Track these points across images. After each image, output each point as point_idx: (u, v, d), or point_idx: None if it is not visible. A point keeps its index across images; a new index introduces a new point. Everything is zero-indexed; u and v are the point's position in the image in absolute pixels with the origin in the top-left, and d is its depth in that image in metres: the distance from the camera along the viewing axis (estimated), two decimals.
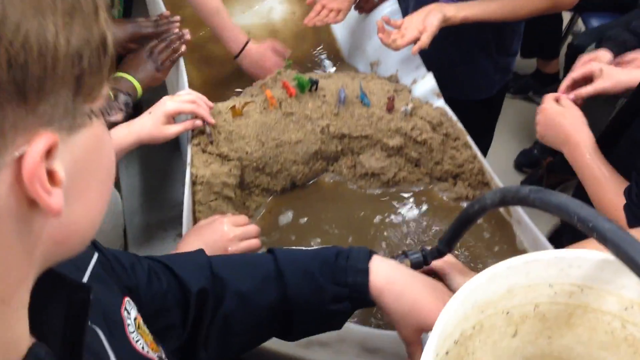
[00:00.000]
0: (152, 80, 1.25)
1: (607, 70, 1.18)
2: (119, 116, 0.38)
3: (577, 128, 1.11)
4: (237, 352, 0.80)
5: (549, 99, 1.19)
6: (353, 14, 1.59)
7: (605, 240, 0.59)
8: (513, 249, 1.14)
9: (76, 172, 0.38)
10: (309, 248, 0.86)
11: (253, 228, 1.02)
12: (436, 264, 0.93)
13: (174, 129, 1.11)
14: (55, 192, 0.35)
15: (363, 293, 0.76)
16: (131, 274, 0.69)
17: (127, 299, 0.60)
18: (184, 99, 1.13)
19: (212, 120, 1.16)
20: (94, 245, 0.62)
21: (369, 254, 0.79)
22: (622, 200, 1.00)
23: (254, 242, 1.00)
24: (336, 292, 0.76)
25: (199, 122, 1.16)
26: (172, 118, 1.12)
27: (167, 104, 1.10)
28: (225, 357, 0.78)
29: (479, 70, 1.53)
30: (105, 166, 0.42)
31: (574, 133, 1.11)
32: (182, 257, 0.80)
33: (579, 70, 1.21)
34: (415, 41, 1.29)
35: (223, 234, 0.97)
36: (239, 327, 0.75)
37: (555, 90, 1.22)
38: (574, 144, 1.10)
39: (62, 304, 0.44)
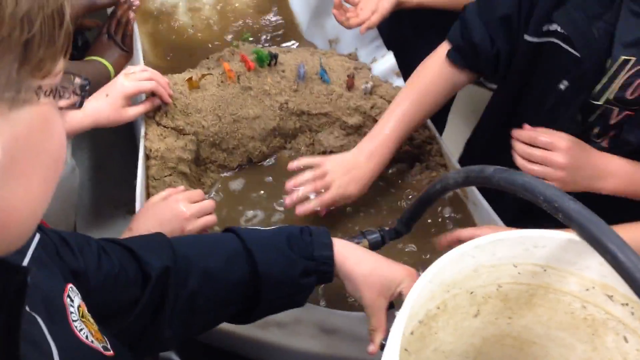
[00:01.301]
0: (122, 60, 1.20)
1: None
2: (73, 99, 0.35)
3: (604, 156, 0.98)
4: (201, 330, 0.79)
5: (555, 135, 0.96)
6: None
7: (571, 220, 0.59)
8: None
9: (16, 152, 0.35)
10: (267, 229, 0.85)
11: (209, 204, 0.99)
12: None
13: (133, 111, 1.06)
14: None
15: (330, 266, 0.78)
16: (79, 256, 0.65)
17: (70, 285, 0.57)
18: (141, 76, 1.06)
19: (169, 100, 1.11)
20: (37, 227, 0.59)
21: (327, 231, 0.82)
22: None
23: (211, 219, 0.97)
24: (305, 265, 0.77)
25: (158, 101, 1.10)
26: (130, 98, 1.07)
27: (124, 85, 1.03)
28: (189, 335, 0.77)
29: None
30: (52, 151, 0.39)
31: (606, 161, 0.97)
32: (141, 238, 0.77)
33: None
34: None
35: (179, 212, 0.93)
36: (205, 305, 0.73)
37: None
38: (612, 175, 0.96)
39: None
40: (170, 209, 0.93)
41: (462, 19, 1.11)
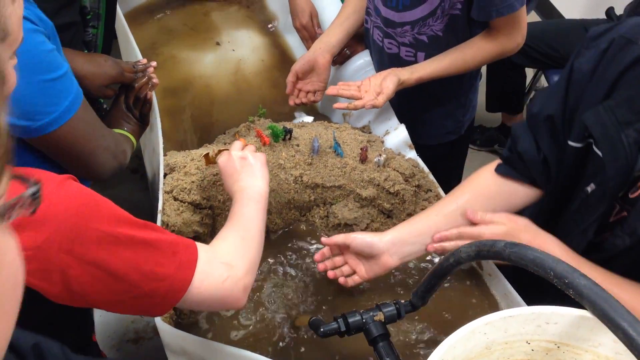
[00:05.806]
0: (139, 130, 1.24)
1: None
2: (25, 211, 0.32)
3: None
4: None
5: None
6: None
7: (582, 297, 0.60)
8: (486, 299, 1.14)
9: None
10: None
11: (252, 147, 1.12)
12: None
13: None
14: None
15: None
16: None
17: None
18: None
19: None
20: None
21: None
22: None
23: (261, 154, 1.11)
24: None
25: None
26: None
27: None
28: None
29: (447, 111, 1.56)
30: (3, 282, 0.34)
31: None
32: None
33: None
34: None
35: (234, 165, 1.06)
36: None
37: None
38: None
39: None
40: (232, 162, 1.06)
41: (510, 135, 1.11)
